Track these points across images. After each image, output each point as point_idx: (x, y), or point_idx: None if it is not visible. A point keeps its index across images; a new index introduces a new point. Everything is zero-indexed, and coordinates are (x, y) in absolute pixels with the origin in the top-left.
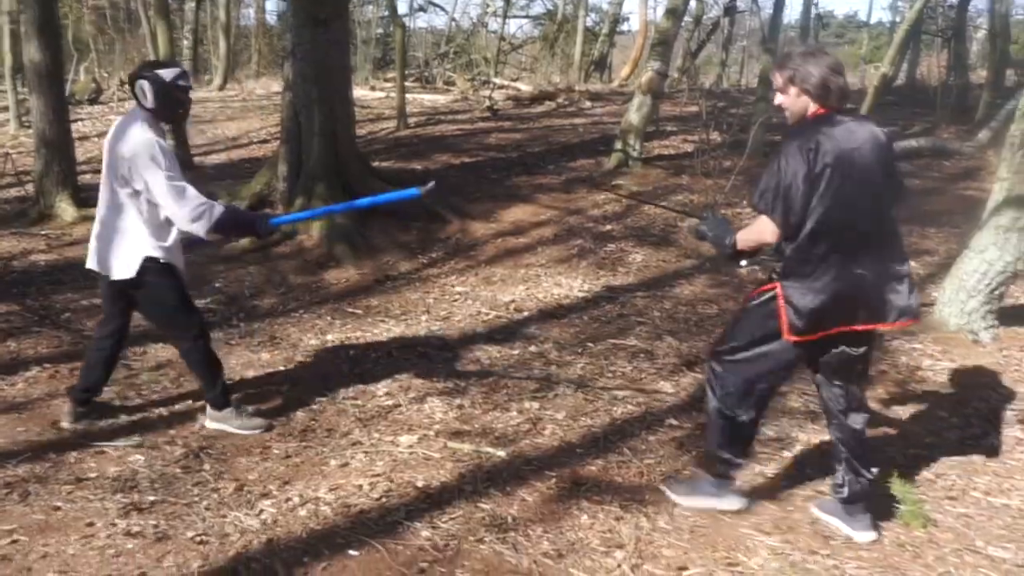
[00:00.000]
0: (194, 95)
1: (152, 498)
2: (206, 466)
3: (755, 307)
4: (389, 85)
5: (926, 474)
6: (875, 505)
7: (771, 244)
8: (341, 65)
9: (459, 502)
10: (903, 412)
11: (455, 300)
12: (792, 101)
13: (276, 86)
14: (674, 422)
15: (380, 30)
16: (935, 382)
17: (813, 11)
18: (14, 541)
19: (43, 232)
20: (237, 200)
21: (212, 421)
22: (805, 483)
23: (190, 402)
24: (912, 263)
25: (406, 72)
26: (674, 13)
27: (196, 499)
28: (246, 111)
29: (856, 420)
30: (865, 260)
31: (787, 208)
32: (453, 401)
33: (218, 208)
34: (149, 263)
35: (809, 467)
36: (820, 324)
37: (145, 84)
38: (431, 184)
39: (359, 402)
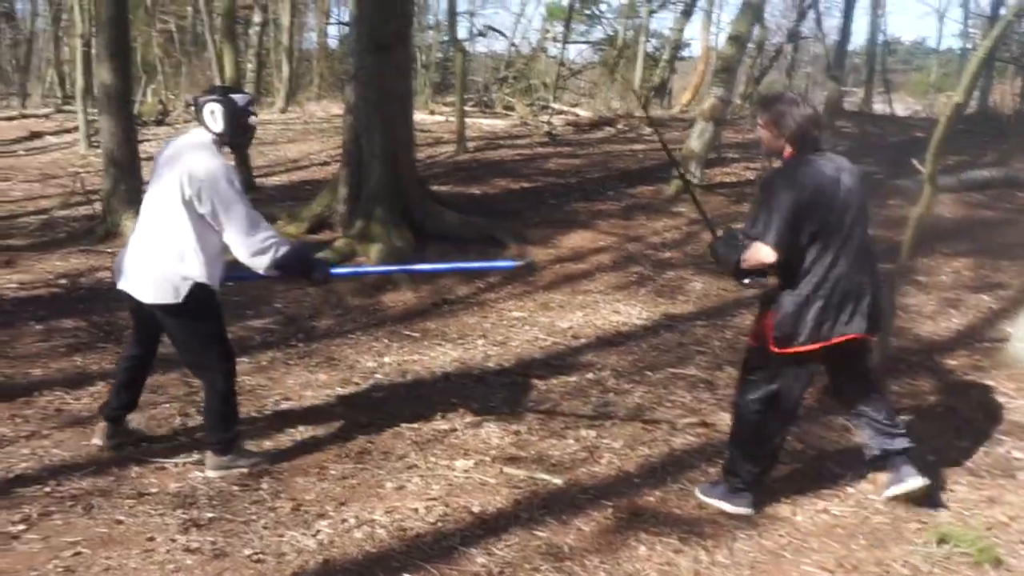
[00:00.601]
0: (256, 117)
1: (211, 515)
2: (264, 485)
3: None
4: (448, 109)
5: (999, 516)
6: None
7: (770, 264)
8: (402, 90)
9: (515, 529)
10: (974, 451)
11: (512, 325)
12: (770, 139)
13: (336, 109)
14: None
15: (440, 54)
16: (1008, 420)
17: (880, 37)
18: (78, 553)
19: (110, 250)
20: (298, 221)
21: (215, 469)
22: (867, 522)
23: (248, 421)
24: (984, 296)
25: (465, 96)
26: (738, 40)
27: (253, 517)
28: (307, 133)
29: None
30: (846, 274)
31: (779, 234)
32: (509, 427)
33: (284, 246)
34: (197, 289)
35: (875, 508)
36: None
37: (217, 108)
38: (528, 261)
39: (415, 425)
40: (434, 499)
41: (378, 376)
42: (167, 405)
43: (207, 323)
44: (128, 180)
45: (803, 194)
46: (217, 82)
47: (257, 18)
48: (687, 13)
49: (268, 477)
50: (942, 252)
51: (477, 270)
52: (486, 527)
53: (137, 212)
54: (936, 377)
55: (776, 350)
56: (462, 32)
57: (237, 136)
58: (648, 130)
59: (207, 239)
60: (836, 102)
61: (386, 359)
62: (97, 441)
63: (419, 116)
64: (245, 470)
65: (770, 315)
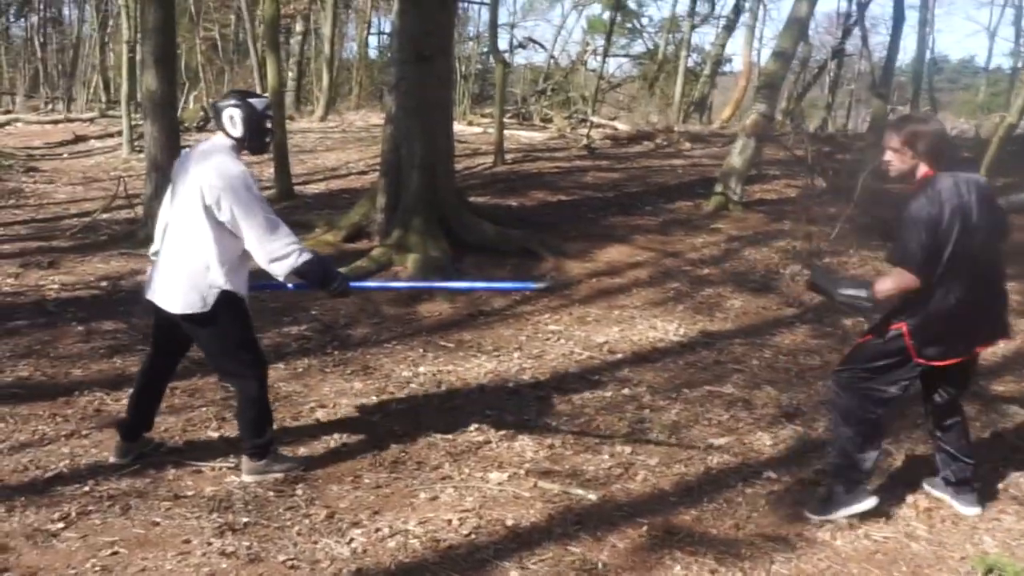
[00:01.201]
0: (296, 125)
1: (246, 519)
2: (298, 491)
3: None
4: (487, 120)
5: None
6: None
7: (913, 289)
8: (443, 100)
9: (548, 544)
10: (1020, 479)
11: (548, 338)
12: (903, 161)
13: (375, 118)
14: (772, 475)
15: (479, 66)
16: None
17: (927, 55)
18: (115, 553)
19: (150, 253)
20: (336, 230)
21: (251, 474)
22: (908, 549)
23: (284, 427)
24: None
25: (504, 108)
26: (782, 55)
27: (288, 523)
28: (345, 142)
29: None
30: (981, 293)
31: (925, 260)
32: (544, 440)
33: (305, 254)
34: (224, 297)
35: (917, 535)
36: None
37: (236, 112)
38: (548, 281)
39: (449, 436)
40: (468, 511)
41: (413, 386)
42: (204, 409)
43: (236, 330)
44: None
45: (947, 217)
46: (259, 90)
47: (299, 27)
48: (729, 28)
49: (303, 484)
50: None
51: (497, 290)
52: (520, 541)
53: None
54: (983, 403)
55: (921, 361)
56: (502, 44)
57: (256, 140)
58: (688, 145)
59: (229, 246)
60: (882, 120)
61: (421, 369)
62: (112, 458)
63: (457, 127)
64: (280, 475)
65: (903, 326)
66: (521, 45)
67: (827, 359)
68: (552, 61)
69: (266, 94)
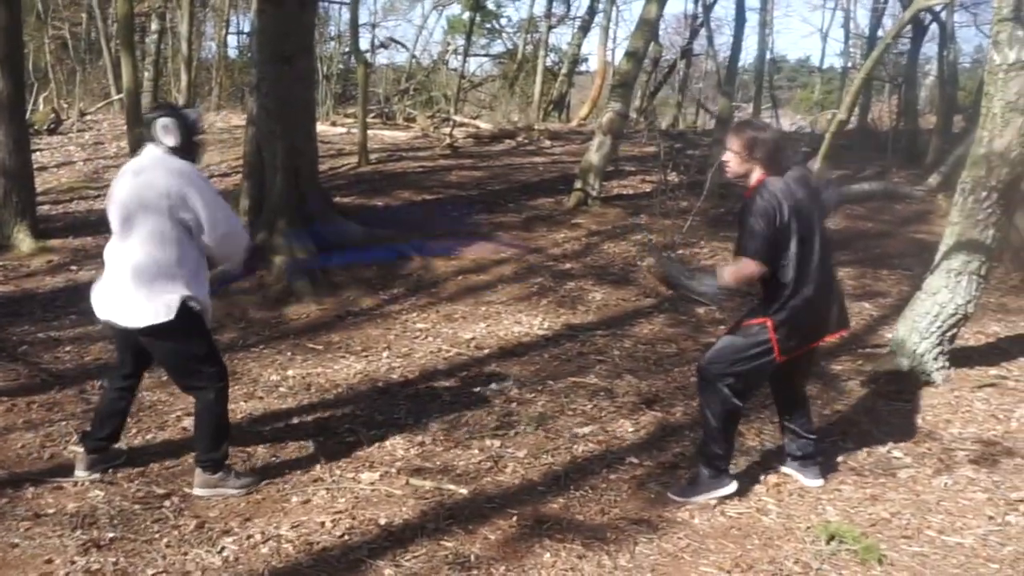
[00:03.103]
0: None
1: (112, 535)
2: (166, 503)
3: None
4: (350, 121)
5: (881, 513)
6: (830, 542)
7: (755, 278)
8: (305, 101)
9: (422, 540)
10: (858, 451)
11: (416, 337)
12: (740, 163)
13: (237, 119)
14: (635, 460)
15: (342, 66)
16: (889, 422)
17: (767, 55)
18: None
19: (2, 263)
20: None
21: (203, 488)
22: (760, 522)
23: (149, 436)
24: (866, 304)
25: (367, 108)
26: (634, 56)
27: (156, 536)
28: (206, 144)
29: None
30: (829, 283)
31: (765, 251)
32: (414, 438)
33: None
34: (185, 306)
35: (767, 509)
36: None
37: (170, 122)
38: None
39: (320, 438)
40: (340, 512)
41: (282, 389)
42: (63, 423)
43: (198, 342)
44: (20, 191)
45: (784, 213)
46: (114, 91)
47: (155, 26)
48: (585, 29)
49: (170, 495)
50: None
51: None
52: (393, 539)
53: (29, 224)
54: (822, 382)
55: (780, 357)
56: (364, 44)
57: (193, 150)
58: (548, 143)
59: (190, 252)
60: (727, 117)
61: (290, 372)
62: (80, 472)
63: (321, 128)
64: (234, 492)
65: (768, 321)
66: (383, 45)
67: (683, 347)
68: (414, 61)
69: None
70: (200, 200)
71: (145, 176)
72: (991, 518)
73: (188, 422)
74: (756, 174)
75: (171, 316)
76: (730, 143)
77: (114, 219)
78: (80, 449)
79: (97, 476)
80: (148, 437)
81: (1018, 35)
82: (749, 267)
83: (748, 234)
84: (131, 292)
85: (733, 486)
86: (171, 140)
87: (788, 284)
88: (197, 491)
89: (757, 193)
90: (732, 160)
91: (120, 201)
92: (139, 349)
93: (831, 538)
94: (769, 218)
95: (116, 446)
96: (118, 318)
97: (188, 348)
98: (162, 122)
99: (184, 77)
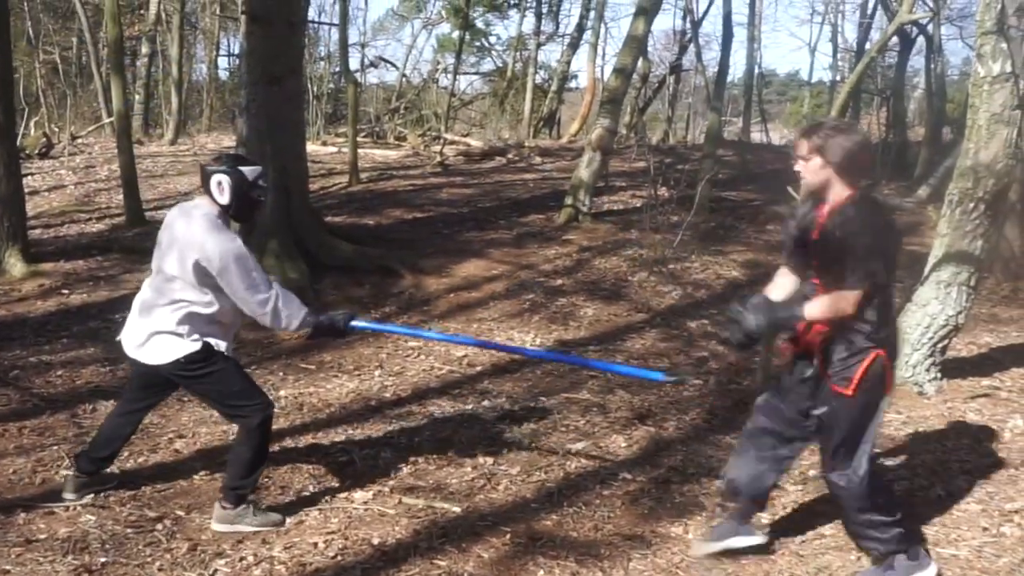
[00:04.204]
0: (146, 149)
1: (104, 560)
2: (158, 526)
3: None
4: (341, 140)
5: None
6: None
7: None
8: (294, 121)
9: (415, 559)
10: None
11: (408, 355)
12: (814, 173)
13: (228, 141)
14: (628, 476)
15: (332, 85)
16: (881, 435)
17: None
18: None
19: None
20: None
21: (222, 524)
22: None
23: (141, 459)
24: None
25: (358, 127)
26: (623, 72)
27: (149, 560)
28: (197, 166)
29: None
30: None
31: (873, 280)
32: (407, 456)
33: (302, 314)
34: (207, 346)
35: (761, 523)
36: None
37: (224, 179)
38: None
39: (312, 458)
40: (333, 532)
41: (275, 410)
42: (55, 448)
43: (233, 373)
44: (11, 216)
45: (885, 236)
46: (104, 113)
47: (145, 49)
48: (574, 46)
49: (163, 518)
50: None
51: (617, 372)
52: (386, 558)
53: (20, 248)
54: None
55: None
56: (354, 63)
57: (245, 211)
58: (539, 160)
59: (224, 304)
60: (717, 131)
61: (282, 392)
62: (68, 495)
63: (311, 147)
64: (250, 531)
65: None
66: (372, 64)
67: (675, 361)
68: (404, 80)
69: (253, 163)
70: (238, 287)
71: (189, 229)
72: (985, 529)
73: (180, 444)
74: (837, 186)
75: (197, 347)
76: (800, 148)
77: (159, 249)
78: (71, 472)
79: (88, 500)
80: (140, 460)
81: (1002, 48)
82: (850, 303)
83: (852, 261)
84: (153, 330)
85: (933, 568)
86: (223, 198)
87: (886, 309)
88: (216, 526)
89: (850, 215)
90: (804, 169)
91: (166, 239)
92: (162, 385)
93: (826, 551)
94: (876, 244)
95: (108, 470)
96: (144, 357)
97: (224, 377)
98: (217, 178)
99: (175, 99)
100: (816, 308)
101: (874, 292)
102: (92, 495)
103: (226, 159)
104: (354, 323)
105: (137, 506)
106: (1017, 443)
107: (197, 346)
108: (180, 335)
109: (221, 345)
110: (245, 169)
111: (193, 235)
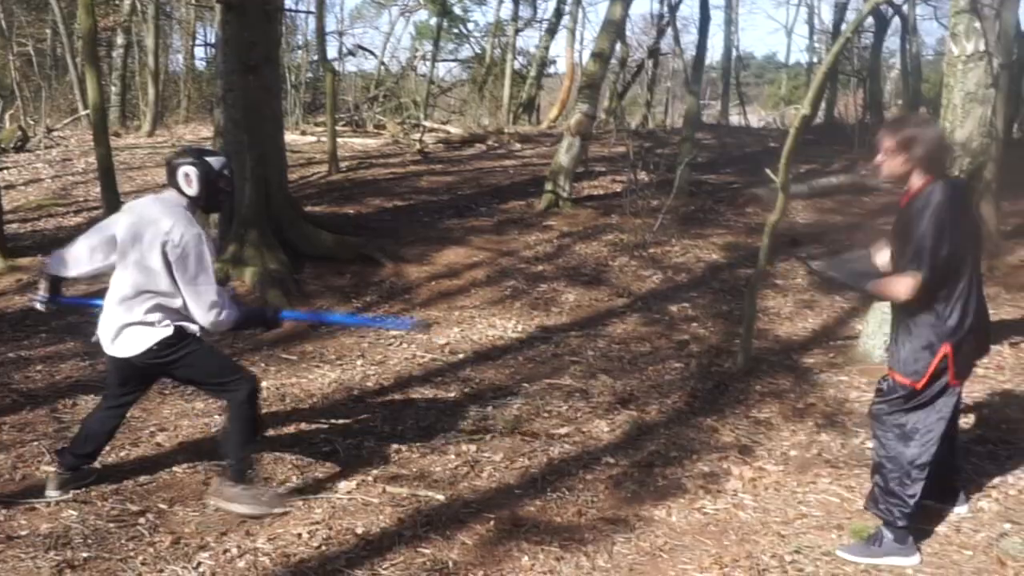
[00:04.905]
0: (123, 141)
1: (86, 555)
2: (141, 520)
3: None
4: (320, 129)
5: (857, 503)
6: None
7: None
8: (272, 111)
9: (399, 548)
10: (832, 443)
11: (390, 344)
12: (897, 165)
13: (206, 131)
14: (610, 460)
15: (310, 74)
16: (861, 413)
17: (734, 53)
18: None
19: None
20: None
21: (222, 500)
22: (737, 518)
23: (123, 453)
24: (837, 297)
25: (336, 116)
26: (601, 57)
27: (132, 554)
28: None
29: None
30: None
31: (933, 267)
32: (390, 445)
33: (230, 310)
34: (180, 329)
35: (744, 504)
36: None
37: (192, 171)
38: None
39: (296, 449)
40: (317, 523)
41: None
42: (35, 443)
43: (209, 351)
44: None
45: (953, 223)
46: (81, 106)
47: (120, 40)
48: (552, 31)
49: (145, 512)
50: (797, 256)
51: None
52: (371, 548)
53: None
54: (795, 375)
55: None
56: (331, 52)
57: (212, 201)
58: (518, 146)
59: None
60: (695, 115)
61: (264, 383)
62: (52, 492)
63: (290, 137)
64: (244, 512)
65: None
66: (351, 52)
67: (656, 345)
68: (382, 68)
69: (217, 153)
70: (185, 275)
71: (157, 225)
72: None
73: (162, 437)
74: (917, 178)
75: (170, 332)
76: (884, 142)
77: (122, 242)
78: (53, 468)
79: (70, 496)
80: (122, 454)
81: (975, 27)
82: (910, 285)
83: (917, 247)
84: (128, 324)
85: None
86: (191, 189)
87: (953, 304)
88: (211, 500)
89: (925, 199)
90: (887, 162)
91: (129, 231)
92: (140, 377)
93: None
94: (936, 230)
95: (89, 467)
96: (118, 351)
97: (206, 356)
98: (184, 170)
99: (151, 90)
100: (878, 285)
101: (940, 283)
102: (74, 491)
103: (190, 151)
104: (283, 314)
105: (119, 500)
106: (991, 419)
107: (169, 331)
108: (151, 324)
109: (193, 327)
110: (211, 159)
111: (160, 223)
